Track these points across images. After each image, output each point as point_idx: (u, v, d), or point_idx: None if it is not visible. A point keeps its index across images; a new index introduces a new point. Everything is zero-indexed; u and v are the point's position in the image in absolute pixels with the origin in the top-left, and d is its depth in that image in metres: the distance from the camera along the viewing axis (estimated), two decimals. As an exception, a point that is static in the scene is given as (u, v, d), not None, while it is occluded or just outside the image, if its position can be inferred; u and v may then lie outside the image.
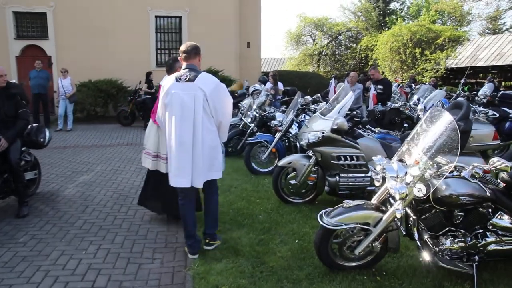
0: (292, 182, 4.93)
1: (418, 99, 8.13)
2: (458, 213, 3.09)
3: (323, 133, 4.55)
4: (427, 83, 20.19)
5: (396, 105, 8.05)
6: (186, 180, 3.48)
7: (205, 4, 15.76)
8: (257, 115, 7.68)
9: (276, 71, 12.91)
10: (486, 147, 4.86)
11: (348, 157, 4.59)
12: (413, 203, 3.07)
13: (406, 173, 2.91)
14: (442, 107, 6.50)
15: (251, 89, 8.37)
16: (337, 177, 4.67)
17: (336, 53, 33.62)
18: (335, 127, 4.40)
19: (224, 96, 3.64)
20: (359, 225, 3.11)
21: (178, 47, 16.22)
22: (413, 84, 17.79)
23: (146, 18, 15.70)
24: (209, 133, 3.52)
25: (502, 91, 9.16)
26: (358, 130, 4.70)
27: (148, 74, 12.88)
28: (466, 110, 4.62)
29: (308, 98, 6.64)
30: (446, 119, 2.92)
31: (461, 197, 2.95)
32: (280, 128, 6.25)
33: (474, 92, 14.66)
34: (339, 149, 4.59)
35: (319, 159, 4.70)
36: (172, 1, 15.64)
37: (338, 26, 32.90)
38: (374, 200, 3.27)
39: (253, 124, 7.59)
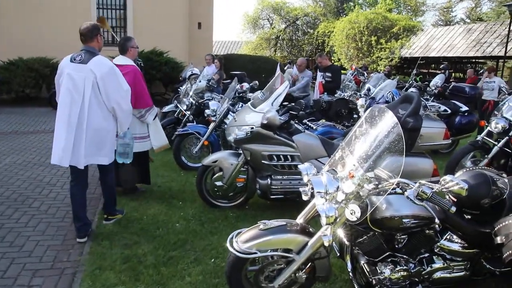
0: (218, 183, 4.21)
1: (369, 89, 7.63)
2: (400, 236, 2.50)
3: (252, 128, 3.84)
4: (381, 72, 20.10)
5: (345, 94, 7.50)
6: (66, 159, 3.43)
7: (152, -21, 14.56)
8: (194, 102, 6.87)
9: (223, 55, 12.06)
10: (436, 146, 4.37)
11: (281, 156, 3.92)
12: (346, 223, 2.43)
13: (337, 188, 2.25)
14: (393, 98, 5.99)
15: (187, 73, 7.52)
16: (268, 179, 4.00)
17: (293, 38, 33.10)
18: (265, 122, 3.70)
19: (116, 81, 3.53)
20: (278, 253, 2.44)
21: (123, 25, 15.37)
22: (365, 72, 17.52)
23: (85, -8, 14.31)
24: (96, 116, 3.47)
25: (453, 84, 8.85)
26: (295, 125, 4.03)
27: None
28: (416, 105, 4.05)
29: (246, 85, 5.92)
30: (390, 121, 2.29)
31: (404, 220, 2.35)
32: (213, 118, 5.49)
33: (426, 83, 14.58)
34: (271, 147, 3.91)
35: (248, 158, 4.00)
36: (115, -25, 14.31)
37: (296, 11, 32.32)
38: (300, 219, 2.61)
39: (189, 112, 6.78)
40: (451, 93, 7.46)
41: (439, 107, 6.17)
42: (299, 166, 2.52)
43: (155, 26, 14.44)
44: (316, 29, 30.65)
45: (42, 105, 12.20)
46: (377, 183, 2.21)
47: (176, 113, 7.22)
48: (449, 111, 6.25)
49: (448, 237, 2.60)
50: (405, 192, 2.12)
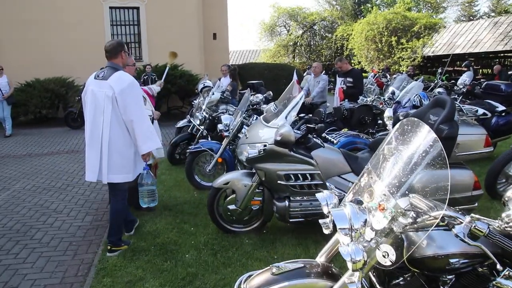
0: (232, 207, 3.81)
1: (393, 92, 7.11)
2: (446, 277, 2.03)
3: (265, 145, 3.43)
4: (404, 72, 19.38)
5: (368, 99, 7.01)
6: (93, 174, 3.54)
7: (164, -6, 14.45)
8: (207, 116, 6.53)
9: (236, 65, 11.73)
10: (476, 155, 3.85)
11: (299, 175, 3.49)
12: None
13: (365, 222, 1.82)
14: (420, 102, 5.48)
15: (200, 85, 7.18)
16: (286, 201, 3.57)
17: (311, 43, 32.69)
18: (279, 139, 3.28)
19: (135, 96, 3.53)
20: (295, 303, 2.01)
21: (137, 40, 15.30)
22: (387, 75, 16.90)
23: (99, 10, 14.30)
24: (117, 132, 3.48)
25: (486, 82, 8.22)
26: (314, 139, 3.59)
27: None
28: (451, 109, 3.56)
29: (259, 96, 5.53)
30: (426, 137, 1.84)
31: (451, 259, 1.88)
32: (226, 133, 5.11)
33: (453, 82, 13.85)
34: (287, 165, 3.48)
35: (263, 179, 3.59)
36: (128, -9, 14.25)
37: (312, 16, 31.91)
38: (322, 257, 2.18)
39: (202, 127, 6.44)
40: (485, 92, 6.85)
41: (477, 111, 5.58)
42: (316, 195, 2.08)
43: (169, 40, 14.27)
44: (334, 33, 30.16)
45: (59, 125, 12.15)
46: (415, 215, 1.77)
47: (190, 128, 6.89)
48: (489, 114, 5.65)
49: (507, 273, 2.11)
50: (453, 229, 1.65)
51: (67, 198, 5.43)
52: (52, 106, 12.73)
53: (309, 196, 3.58)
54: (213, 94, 6.92)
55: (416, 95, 5.65)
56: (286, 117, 3.46)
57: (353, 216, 1.84)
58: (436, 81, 14.03)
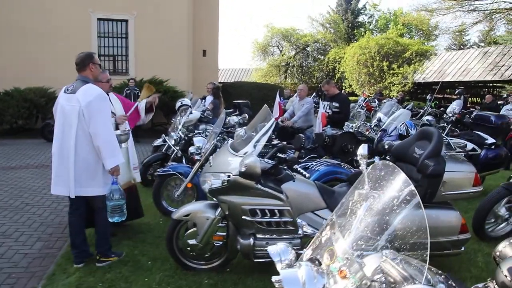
0: (192, 242, 3.40)
1: (379, 119, 6.81)
2: None
3: (229, 176, 3.06)
4: (394, 98, 19.28)
5: (353, 125, 6.70)
6: (63, 188, 3.52)
7: (154, 7, 14.19)
8: (183, 135, 6.15)
9: (220, 83, 11.41)
10: (464, 195, 3.51)
11: (266, 211, 3.11)
12: None
13: (322, 289, 1.44)
14: (407, 131, 5.16)
15: (177, 104, 6.82)
16: (251, 238, 3.17)
17: (304, 64, 32.70)
18: (243, 170, 2.90)
19: (101, 108, 3.46)
20: None
21: (124, 54, 14.97)
22: (376, 100, 16.75)
23: (87, 21, 13.98)
24: (84, 146, 3.45)
25: (475, 112, 7.97)
26: (285, 170, 3.23)
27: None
28: (437, 143, 3.24)
29: (234, 118, 5.18)
30: (403, 188, 1.49)
31: None
32: (197, 157, 4.72)
33: (442, 109, 13.69)
34: (253, 199, 3.10)
35: (226, 213, 3.20)
36: (117, 3, 13.95)
37: (306, 37, 31.99)
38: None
39: (177, 148, 6.05)
40: (474, 123, 6.57)
41: (466, 145, 5.26)
42: (268, 249, 1.71)
43: (157, 54, 14.02)
44: (327, 55, 30.20)
45: (35, 137, 11.66)
46: (384, 286, 1.40)
47: (165, 148, 6.49)
48: (478, 150, 5.35)
49: None
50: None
51: (21, 220, 4.97)
52: (30, 117, 12.29)
53: (278, 234, 3.19)
54: (191, 113, 6.56)
55: (403, 123, 5.34)
56: (254, 146, 3.10)
57: (308, 281, 1.47)
58: (425, 108, 13.88)
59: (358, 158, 1.98)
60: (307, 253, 1.66)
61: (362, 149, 2.00)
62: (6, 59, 12.72)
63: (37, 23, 13.04)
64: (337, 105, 6.58)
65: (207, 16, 16.56)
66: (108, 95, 4.02)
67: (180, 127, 6.26)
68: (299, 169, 3.11)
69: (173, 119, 7.79)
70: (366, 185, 1.71)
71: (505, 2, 17.74)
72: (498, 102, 15.47)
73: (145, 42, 14.17)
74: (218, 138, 4.84)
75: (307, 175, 3.07)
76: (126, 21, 14.45)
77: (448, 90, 24.27)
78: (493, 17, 17.92)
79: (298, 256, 1.73)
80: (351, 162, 5.91)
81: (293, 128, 6.51)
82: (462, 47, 34.80)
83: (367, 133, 6.86)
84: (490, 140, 5.79)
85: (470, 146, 5.35)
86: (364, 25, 35.34)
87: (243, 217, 3.11)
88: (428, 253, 1.37)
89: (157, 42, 14.06)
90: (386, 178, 1.56)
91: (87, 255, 3.76)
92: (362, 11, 36.13)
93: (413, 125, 5.31)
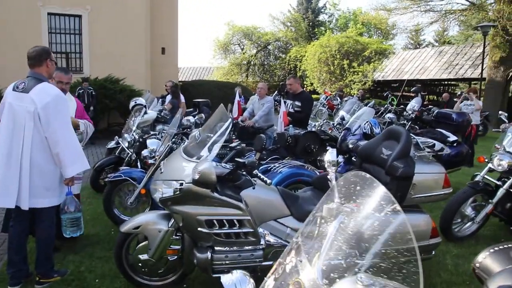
0: (143, 257, 3.04)
1: (343, 118, 6.67)
2: None
3: (182, 184, 2.73)
4: (355, 95, 19.46)
5: (316, 124, 6.52)
6: (10, 199, 3.06)
7: (110, 3, 13.49)
8: (137, 137, 5.74)
9: (177, 82, 10.98)
10: (434, 197, 3.35)
11: (225, 221, 2.81)
12: None
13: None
14: (371, 130, 5.01)
15: (131, 104, 6.39)
16: (209, 252, 2.86)
17: (265, 63, 32.61)
18: (197, 177, 2.59)
19: (60, 111, 3.08)
20: None
21: (78, 51, 14.18)
22: (338, 98, 16.82)
23: (36, 16, 13.04)
24: (39, 153, 3.07)
25: (437, 110, 8.00)
26: (244, 175, 2.93)
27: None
28: (406, 144, 3.06)
29: (190, 118, 4.84)
30: (384, 203, 1.23)
31: None
32: (151, 161, 4.36)
33: (401, 106, 13.89)
34: (209, 209, 2.78)
35: (180, 224, 2.87)
36: (70, -3, 13.17)
37: (267, 36, 31.89)
38: None
39: (131, 150, 5.63)
40: (436, 120, 6.54)
41: (434, 145, 5.15)
42: (222, 278, 1.41)
43: (113, 52, 13.34)
44: (288, 53, 30.21)
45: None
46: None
47: (118, 151, 6.05)
48: (449, 151, 5.26)
49: None
50: None
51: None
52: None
53: (238, 246, 2.90)
54: (145, 113, 6.15)
55: (367, 122, 5.19)
56: (209, 149, 2.78)
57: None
58: (386, 105, 14.03)
59: (326, 165, 1.72)
60: (268, 283, 1.37)
61: (330, 155, 1.73)
62: None
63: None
64: (299, 104, 6.35)
65: (166, 12, 16.05)
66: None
67: (134, 128, 5.84)
68: (259, 174, 2.81)
69: (127, 120, 7.35)
70: (336, 198, 1.46)
71: (457, 3, 18.30)
72: (454, 99, 15.91)
73: (100, 39, 13.46)
74: (173, 139, 4.50)
75: (268, 181, 2.77)
76: (80, 16, 13.66)
77: (406, 88, 24.86)
78: (447, 17, 18.36)
79: (257, 277, 1.45)
80: (314, 163, 5.72)
81: (253, 128, 6.23)
82: (418, 46, 35.81)
83: (329, 132, 6.70)
84: (452, 137, 5.76)
85: (438, 145, 5.24)
86: (324, 24, 35.61)
87: (199, 228, 2.79)
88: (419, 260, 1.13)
89: (112, 39, 13.39)
90: (362, 193, 1.30)
91: (25, 274, 3.29)
92: (322, 10, 36.39)
93: (378, 123, 5.18)
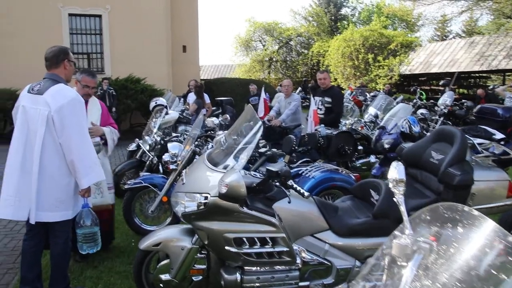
0: (165, 277, 2.74)
1: (376, 115, 6.22)
2: None
3: (207, 197, 2.40)
4: (381, 90, 18.78)
5: (347, 122, 6.10)
6: (23, 212, 2.81)
7: (129, 1, 13.38)
8: (159, 139, 5.48)
9: (202, 80, 10.70)
10: (496, 209, 2.90)
11: (256, 239, 2.47)
12: None
13: None
14: (410, 129, 4.58)
15: (151, 104, 6.12)
16: (238, 273, 2.53)
17: (287, 59, 32.07)
18: (224, 191, 2.26)
19: (76, 116, 2.86)
20: None
21: (99, 51, 14.10)
22: (366, 93, 16.20)
23: (57, 17, 13.09)
24: (52, 159, 2.83)
25: (480, 105, 7.42)
26: (276, 185, 2.58)
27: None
28: (461, 147, 2.64)
29: (214, 120, 4.52)
30: (495, 244, 0.86)
31: None
32: (173, 166, 4.06)
33: (431, 101, 13.23)
34: (238, 225, 2.45)
35: (205, 242, 2.55)
36: (90, -3, 13.11)
37: (288, 31, 31.38)
38: None
39: (152, 154, 5.37)
40: (479, 117, 6.02)
41: (493, 148, 4.58)
42: None
43: (134, 51, 13.23)
44: (310, 49, 29.65)
45: (2, 143, 10.78)
46: None
47: (139, 154, 5.80)
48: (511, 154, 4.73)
49: None
50: None
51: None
52: (-5, 121, 11.43)
53: (270, 266, 2.55)
54: (167, 113, 5.87)
55: (404, 119, 4.75)
56: (236, 159, 2.44)
57: None
58: (415, 100, 13.37)
59: (391, 185, 1.34)
60: None
61: (397, 172, 1.33)
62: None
63: (2, 19, 12.11)
64: (329, 100, 5.89)
65: (186, 10, 15.83)
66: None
67: (155, 130, 5.57)
68: (295, 185, 2.45)
69: (148, 121, 7.11)
70: (409, 230, 1.09)
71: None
72: (490, 87, 15.05)
73: (121, 38, 13.39)
74: (197, 142, 4.19)
75: (306, 193, 2.41)
76: (100, 16, 13.64)
77: (434, 82, 23.93)
78: (480, 5, 17.47)
79: None
80: (346, 165, 5.34)
81: (280, 128, 5.87)
82: (444, 38, 34.55)
83: (361, 130, 6.29)
84: (499, 135, 5.23)
85: (499, 149, 4.58)
86: (347, 18, 34.80)
87: (227, 247, 2.46)
88: None
89: (133, 38, 13.29)
90: (459, 230, 0.93)
91: None
92: (344, 4, 35.58)
93: (417, 121, 4.73)
